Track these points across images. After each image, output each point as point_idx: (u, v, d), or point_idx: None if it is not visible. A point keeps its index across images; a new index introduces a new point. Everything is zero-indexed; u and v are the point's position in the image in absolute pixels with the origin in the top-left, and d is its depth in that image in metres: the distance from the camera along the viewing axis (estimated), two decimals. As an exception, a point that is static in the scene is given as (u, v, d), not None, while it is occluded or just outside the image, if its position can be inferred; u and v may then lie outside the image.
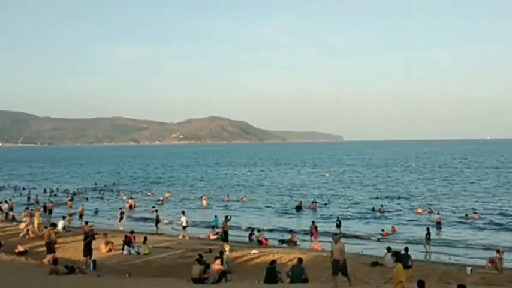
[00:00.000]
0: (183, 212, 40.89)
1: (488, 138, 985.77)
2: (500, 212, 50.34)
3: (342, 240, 20.61)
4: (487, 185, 77.06)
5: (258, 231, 38.00)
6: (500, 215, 48.21)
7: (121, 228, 41.36)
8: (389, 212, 51.30)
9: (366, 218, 47.95)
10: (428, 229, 33.90)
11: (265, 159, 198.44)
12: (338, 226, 40.04)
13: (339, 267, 18.54)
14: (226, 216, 36.17)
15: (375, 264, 26.24)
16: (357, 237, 38.59)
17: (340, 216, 44.57)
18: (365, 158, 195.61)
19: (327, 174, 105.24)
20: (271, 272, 19.85)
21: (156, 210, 47.70)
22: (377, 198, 62.84)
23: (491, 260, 25.64)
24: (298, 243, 35.98)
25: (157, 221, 41.83)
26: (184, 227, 37.71)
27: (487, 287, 20.78)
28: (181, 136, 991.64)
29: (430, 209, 50.99)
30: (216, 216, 42.13)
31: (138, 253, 29.25)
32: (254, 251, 29.68)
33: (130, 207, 56.41)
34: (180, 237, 36.75)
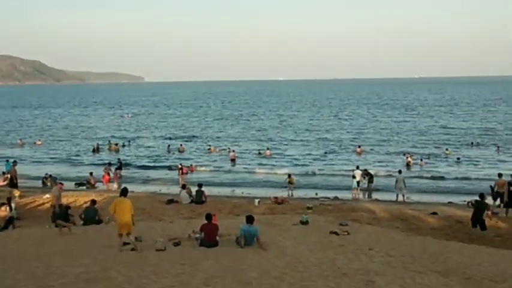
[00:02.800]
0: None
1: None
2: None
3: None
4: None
5: (50, 176, 36.42)
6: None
7: None
8: (186, 153, 52.93)
9: (161, 161, 48.68)
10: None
11: (62, 100, 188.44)
12: (119, 168, 39.36)
13: None
14: (15, 161, 33.99)
15: (171, 201, 26.93)
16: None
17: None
18: (163, 98, 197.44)
19: (126, 115, 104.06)
20: (62, 214, 19.30)
21: None
22: (170, 139, 64.43)
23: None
24: (96, 185, 35.40)
25: None
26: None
27: (271, 216, 22.55)
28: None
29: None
30: (7, 161, 39.36)
31: None
32: (47, 195, 28.46)
33: None
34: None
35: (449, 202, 28.67)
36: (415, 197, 30.90)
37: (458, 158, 45.26)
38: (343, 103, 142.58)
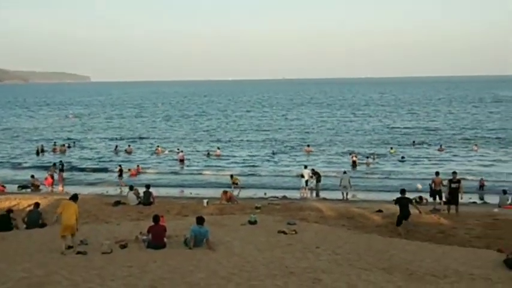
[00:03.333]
0: None
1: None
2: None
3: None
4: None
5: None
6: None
7: None
8: (134, 154, 52.31)
9: (108, 162, 47.86)
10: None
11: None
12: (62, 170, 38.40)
13: None
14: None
15: (118, 203, 26.52)
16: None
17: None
18: (109, 98, 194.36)
19: (70, 116, 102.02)
20: (4, 219, 18.71)
21: None
22: (118, 139, 63.48)
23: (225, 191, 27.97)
24: (40, 187, 34.52)
25: None
26: None
27: (220, 216, 22.53)
28: None
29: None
30: None
31: None
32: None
33: None
34: None
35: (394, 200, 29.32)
36: (361, 196, 31.55)
37: (403, 157, 46.36)
38: (292, 103, 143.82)
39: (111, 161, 48.00)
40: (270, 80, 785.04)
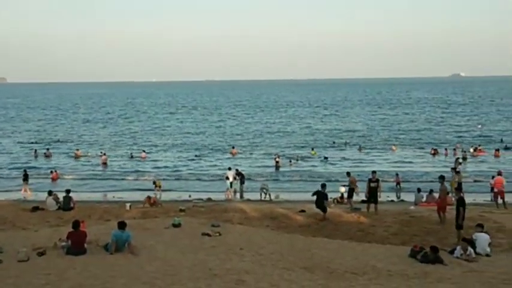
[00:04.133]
0: None
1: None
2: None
3: None
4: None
5: None
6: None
7: None
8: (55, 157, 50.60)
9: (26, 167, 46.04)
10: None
11: None
12: None
13: None
14: None
15: (36, 209, 25.55)
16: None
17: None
18: (26, 100, 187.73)
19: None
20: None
21: None
22: (36, 143, 61.25)
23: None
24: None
25: None
26: None
27: (143, 220, 22.17)
28: None
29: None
30: None
31: None
32: None
33: None
34: None
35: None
36: (284, 196, 32.03)
37: (326, 157, 47.50)
38: (217, 104, 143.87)
39: (30, 165, 46.10)
40: (196, 82, 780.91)
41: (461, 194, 19.98)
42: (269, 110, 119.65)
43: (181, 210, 24.30)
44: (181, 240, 17.09)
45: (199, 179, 39.91)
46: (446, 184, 23.36)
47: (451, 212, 20.14)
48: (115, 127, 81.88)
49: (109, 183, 38.44)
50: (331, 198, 28.62)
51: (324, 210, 22.01)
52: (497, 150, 48.65)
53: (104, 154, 47.34)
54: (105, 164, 44.94)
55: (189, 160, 48.96)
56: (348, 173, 28.36)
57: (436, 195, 23.70)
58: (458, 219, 18.06)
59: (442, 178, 22.72)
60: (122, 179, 40.23)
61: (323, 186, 23.22)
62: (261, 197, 30.98)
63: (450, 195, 24.39)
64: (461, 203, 18.35)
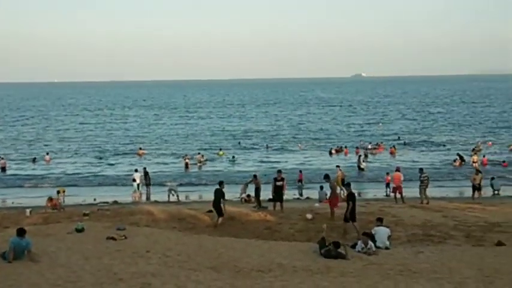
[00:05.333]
0: None
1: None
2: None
3: None
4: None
5: None
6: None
7: None
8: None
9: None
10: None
11: None
12: None
13: None
14: None
15: None
16: None
17: None
18: None
19: None
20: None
21: None
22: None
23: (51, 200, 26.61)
24: None
25: None
26: None
27: (44, 226, 21.29)
28: None
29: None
30: None
31: None
32: None
33: None
34: None
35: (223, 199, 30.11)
36: (193, 197, 32.00)
37: (234, 157, 47.90)
38: (120, 105, 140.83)
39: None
40: (100, 83, 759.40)
41: (351, 190, 20.56)
42: (177, 110, 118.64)
43: (85, 215, 23.56)
44: (84, 245, 16.57)
45: (101, 184, 38.79)
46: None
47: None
48: (10, 129, 78.04)
49: (8, 188, 36.60)
50: (238, 197, 29.06)
51: (220, 213, 20.94)
52: (393, 147, 51.07)
53: (2, 158, 44.98)
54: (4, 168, 42.74)
55: (93, 163, 47.63)
56: (254, 176, 28.22)
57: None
58: (346, 213, 19.02)
59: (327, 177, 23.90)
60: (21, 185, 38.32)
61: (220, 183, 21.88)
62: (168, 199, 30.72)
63: (340, 191, 25.66)
64: (351, 197, 19.30)
